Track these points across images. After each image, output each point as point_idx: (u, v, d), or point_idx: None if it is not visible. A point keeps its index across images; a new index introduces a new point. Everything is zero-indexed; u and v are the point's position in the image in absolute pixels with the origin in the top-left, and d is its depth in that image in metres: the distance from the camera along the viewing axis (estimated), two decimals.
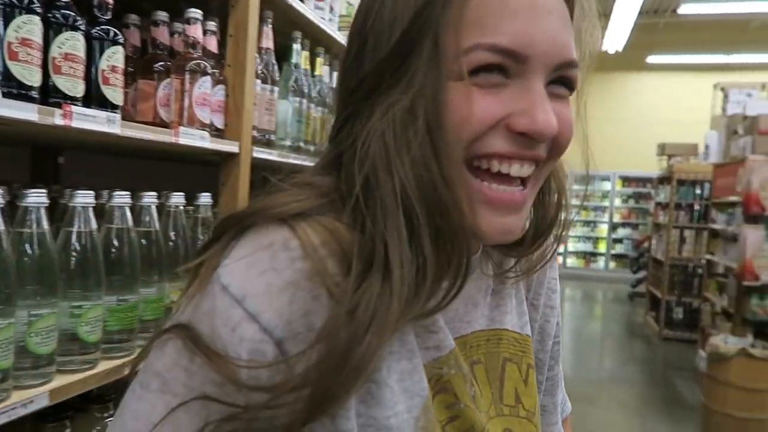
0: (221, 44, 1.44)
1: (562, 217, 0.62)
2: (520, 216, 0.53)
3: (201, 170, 1.87)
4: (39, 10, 0.86)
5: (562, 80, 0.53)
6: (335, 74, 2.09)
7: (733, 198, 4.87)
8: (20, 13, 0.84)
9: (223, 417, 0.43)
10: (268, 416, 0.43)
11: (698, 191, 7.27)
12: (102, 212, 1.06)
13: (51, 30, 0.90)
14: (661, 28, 11.15)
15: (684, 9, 9.68)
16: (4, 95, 0.80)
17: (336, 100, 0.57)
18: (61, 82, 0.91)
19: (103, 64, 0.99)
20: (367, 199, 0.49)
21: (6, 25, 0.82)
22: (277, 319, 0.44)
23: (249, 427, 0.43)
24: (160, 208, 1.21)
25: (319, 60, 1.95)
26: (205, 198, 1.32)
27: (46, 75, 0.90)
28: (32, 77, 0.86)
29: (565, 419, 0.77)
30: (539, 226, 0.61)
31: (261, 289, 0.44)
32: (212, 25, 1.38)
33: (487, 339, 0.61)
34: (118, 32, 1.02)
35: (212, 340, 0.44)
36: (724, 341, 4.16)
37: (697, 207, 7.22)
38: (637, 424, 4.43)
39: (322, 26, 1.84)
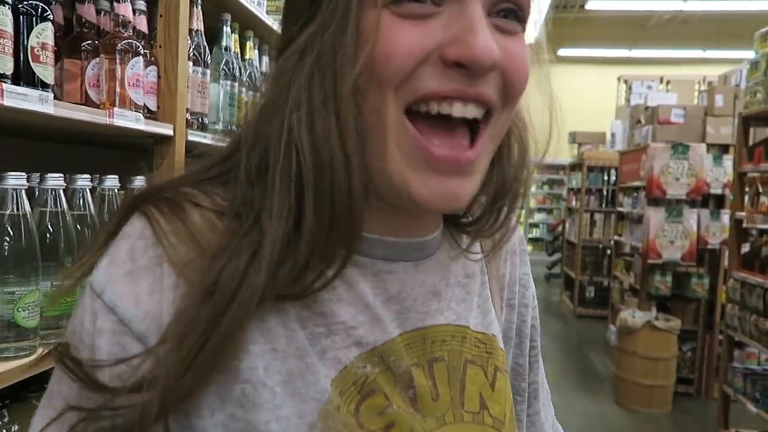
0: (150, 24, 1.41)
1: (523, 186, 0.53)
2: (468, 180, 0.45)
3: (127, 156, 1.81)
4: None
5: (509, 6, 0.45)
6: (265, 59, 2.07)
7: (637, 183, 5.24)
8: None
9: (86, 418, 0.41)
10: (127, 413, 0.40)
11: (606, 177, 7.75)
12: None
13: None
14: (570, 22, 11.72)
15: (591, 5, 10.24)
16: None
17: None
18: None
19: (33, 41, 0.96)
20: (251, 157, 0.46)
21: None
22: (135, 308, 0.42)
23: (114, 423, 0.41)
24: (93, 191, 1.17)
25: (249, 44, 1.94)
26: (139, 181, 1.30)
27: None
28: None
29: None
30: (497, 193, 0.53)
31: (119, 279, 0.43)
32: (141, 4, 1.34)
33: (452, 335, 0.53)
34: (47, 8, 0.99)
35: (82, 338, 0.43)
36: (632, 315, 4.49)
37: (605, 192, 7.70)
38: (554, 395, 4.70)
39: (252, 9, 1.83)
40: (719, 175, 4.68)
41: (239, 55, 1.85)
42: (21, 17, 0.95)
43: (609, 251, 7.14)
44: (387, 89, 0.42)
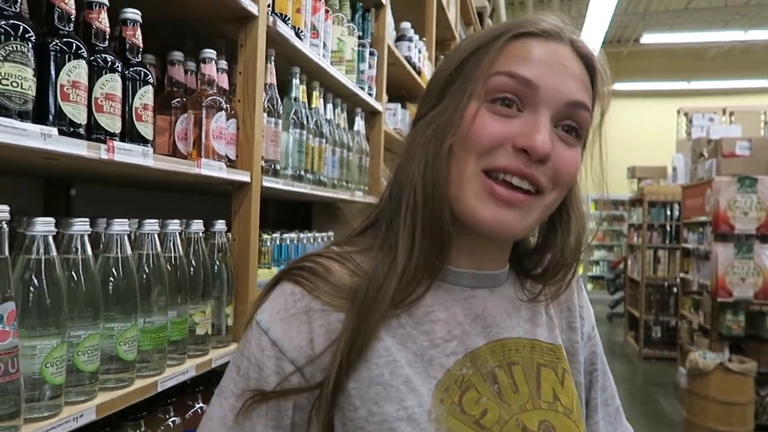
0: (229, 80, 1.54)
1: (582, 254, 0.73)
2: (519, 215, 0.64)
3: (206, 201, 1.94)
4: (85, 54, 0.95)
5: (571, 123, 0.65)
6: (329, 106, 2.19)
7: (702, 218, 5.08)
8: (70, 59, 0.92)
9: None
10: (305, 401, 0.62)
11: (669, 212, 7.52)
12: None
13: (94, 72, 0.98)
14: (625, 57, 11.61)
15: (646, 39, 10.14)
16: (59, 133, 0.87)
17: None
18: (102, 119, 0.99)
19: (137, 102, 1.08)
20: (396, 194, 0.68)
21: (58, 70, 0.90)
22: (288, 343, 0.63)
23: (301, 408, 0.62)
24: (180, 235, 1.27)
25: (315, 93, 2.06)
26: (220, 225, 1.40)
27: (88, 113, 0.97)
28: (80, 116, 0.93)
29: None
30: (562, 257, 0.72)
31: (278, 322, 0.64)
32: (224, 63, 1.47)
33: (523, 346, 0.71)
34: (149, 73, 1.11)
35: (251, 360, 0.64)
36: (703, 357, 4.29)
37: (668, 227, 7.46)
38: None
39: (318, 62, 1.95)
40: None
41: (307, 105, 1.97)
42: (127, 82, 1.07)
43: (675, 289, 6.87)
44: (471, 155, 0.63)
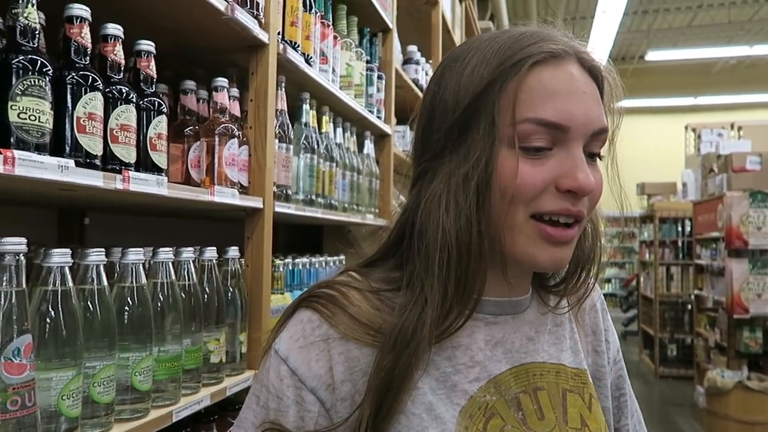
0: (241, 107, 1.55)
1: (598, 256, 0.73)
2: (569, 248, 0.66)
3: (214, 226, 1.94)
4: (101, 87, 0.96)
5: (595, 144, 0.65)
6: (339, 130, 2.21)
7: (714, 233, 5.03)
8: (86, 91, 0.93)
9: None
10: None
11: (680, 228, 7.46)
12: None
13: (109, 104, 0.99)
14: (630, 74, 11.64)
15: (651, 56, 10.17)
16: (76, 165, 0.88)
17: (411, 161, 0.71)
18: (118, 150, 1.00)
19: (151, 132, 1.09)
20: (417, 244, 0.65)
21: (75, 103, 0.91)
22: (308, 371, 0.62)
23: None
24: (194, 262, 1.27)
25: (325, 118, 2.07)
26: (233, 251, 1.40)
27: (104, 144, 0.98)
28: (96, 147, 0.94)
29: None
30: (577, 262, 0.72)
31: (296, 350, 0.63)
32: (235, 91, 1.49)
33: (548, 370, 0.70)
34: (162, 102, 1.12)
35: (269, 390, 0.64)
36: (721, 375, 4.22)
37: (680, 243, 7.40)
38: None
39: (328, 87, 1.97)
40: None
41: (317, 129, 1.98)
42: (141, 112, 1.08)
43: (690, 306, 6.79)
44: (519, 205, 0.63)
